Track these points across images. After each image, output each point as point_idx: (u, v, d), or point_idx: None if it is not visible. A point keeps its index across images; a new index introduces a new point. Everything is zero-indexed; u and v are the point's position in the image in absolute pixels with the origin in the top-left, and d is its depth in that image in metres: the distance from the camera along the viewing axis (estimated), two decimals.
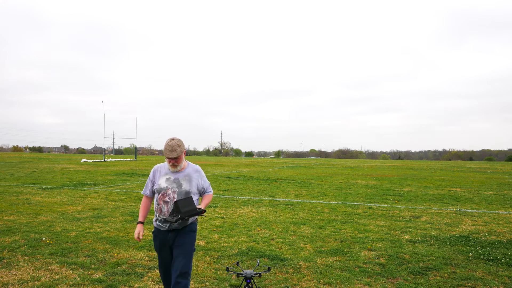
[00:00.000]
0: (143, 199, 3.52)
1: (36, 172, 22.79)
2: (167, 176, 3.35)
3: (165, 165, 3.42)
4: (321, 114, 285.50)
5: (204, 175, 3.52)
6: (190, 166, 3.45)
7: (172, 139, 3.30)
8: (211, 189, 3.60)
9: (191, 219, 3.33)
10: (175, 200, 3.25)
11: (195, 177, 3.39)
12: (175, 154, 3.26)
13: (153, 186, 3.43)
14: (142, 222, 3.46)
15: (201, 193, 3.50)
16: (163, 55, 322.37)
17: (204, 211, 3.19)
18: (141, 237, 3.38)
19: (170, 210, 3.23)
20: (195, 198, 3.35)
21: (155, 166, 3.49)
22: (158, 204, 3.32)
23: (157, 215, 3.33)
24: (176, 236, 3.30)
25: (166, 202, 3.28)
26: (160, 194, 3.31)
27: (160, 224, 3.32)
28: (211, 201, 3.54)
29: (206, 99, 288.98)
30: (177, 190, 3.29)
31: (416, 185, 18.29)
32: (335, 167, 42.73)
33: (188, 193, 3.29)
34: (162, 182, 3.34)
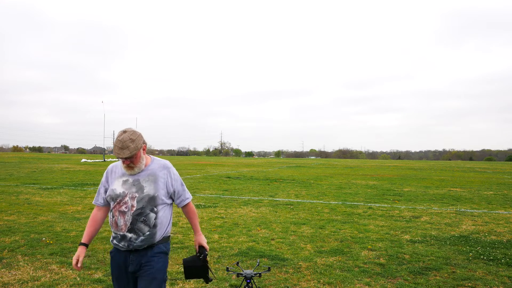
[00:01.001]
0: (93, 211, 2.61)
1: (36, 172, 22.78)
2: (124, 178, 2.47)
3: (121, 164, 2.52)
4: (321, 114, 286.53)
5: (175, 173, 2.59)
6: (155, 162, 2.54)
7: (124, 132, 2.39)
8: (189, 195, 2.64)
9: (162, 234, 2.50)
10: (134, 214, 2.40)
11: (161, 176, 2.49)
12: (127, 153, 2.33)
13: (106, 192, 2.55)
14: (85, 244, 2.52)
15: (173, 199, 2.59)
16: (162, 55, 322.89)
17: (206, 252, 2.59)
18: (80, 265, 2.45)
19: (128, 223, 2.39)
20: (165, 205, 2.51)
21: (110, 166, 2.60)
22: (113, 216, 2.44)
23: (113, 231, 2.47)
24: (140, 260, 2.42)
25: (122, 213, 2.40)
26: (115, 203, 2.44)
27: (117, 243, 2.44)
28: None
29: (206, 99, 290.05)
30: (137, 195, 2.40)
31: (416, 185, 18.28)
32: (335, 167, 42.72)
33: (152, 198, 2.42)
34: (117, 187, 2.45)
